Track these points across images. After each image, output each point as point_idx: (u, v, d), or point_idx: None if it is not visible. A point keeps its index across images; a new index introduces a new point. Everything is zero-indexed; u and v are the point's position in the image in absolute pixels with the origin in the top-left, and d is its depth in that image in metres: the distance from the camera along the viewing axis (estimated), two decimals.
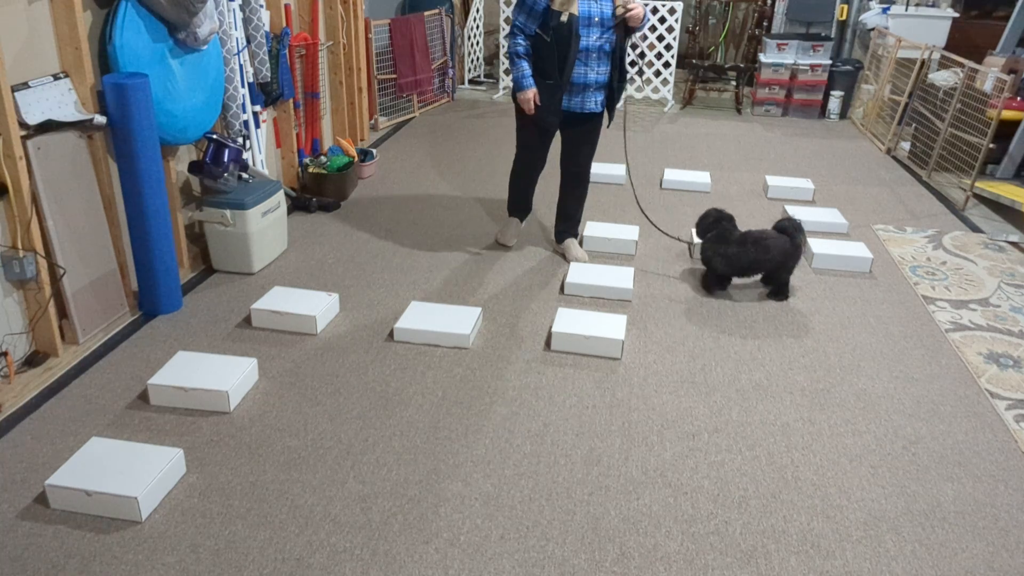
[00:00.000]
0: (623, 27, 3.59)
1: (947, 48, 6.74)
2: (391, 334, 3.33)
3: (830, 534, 2.32)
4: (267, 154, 4.57)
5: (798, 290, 3.84)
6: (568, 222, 4.12)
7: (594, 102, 3.70)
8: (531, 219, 4.65)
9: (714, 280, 3.76)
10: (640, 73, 8.05)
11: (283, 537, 2.25)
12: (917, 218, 4.90)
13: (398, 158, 5.76)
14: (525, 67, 3.58)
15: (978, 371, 3.19)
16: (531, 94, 3.59)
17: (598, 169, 5.39)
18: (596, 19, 3.50)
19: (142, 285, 3.38)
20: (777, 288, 3.75)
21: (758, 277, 3.84)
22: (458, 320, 3.32)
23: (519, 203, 4.19)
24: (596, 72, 3.61)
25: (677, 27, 7.32)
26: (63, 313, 3.12)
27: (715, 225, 3.71)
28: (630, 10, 3.50)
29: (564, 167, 3.98)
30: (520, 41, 3.58)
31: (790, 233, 3.65)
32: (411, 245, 4.23)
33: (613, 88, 3.71)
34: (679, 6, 7.24)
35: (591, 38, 3.52)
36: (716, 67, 7.86)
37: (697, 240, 3.88)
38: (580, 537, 2.28)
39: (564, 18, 3.45)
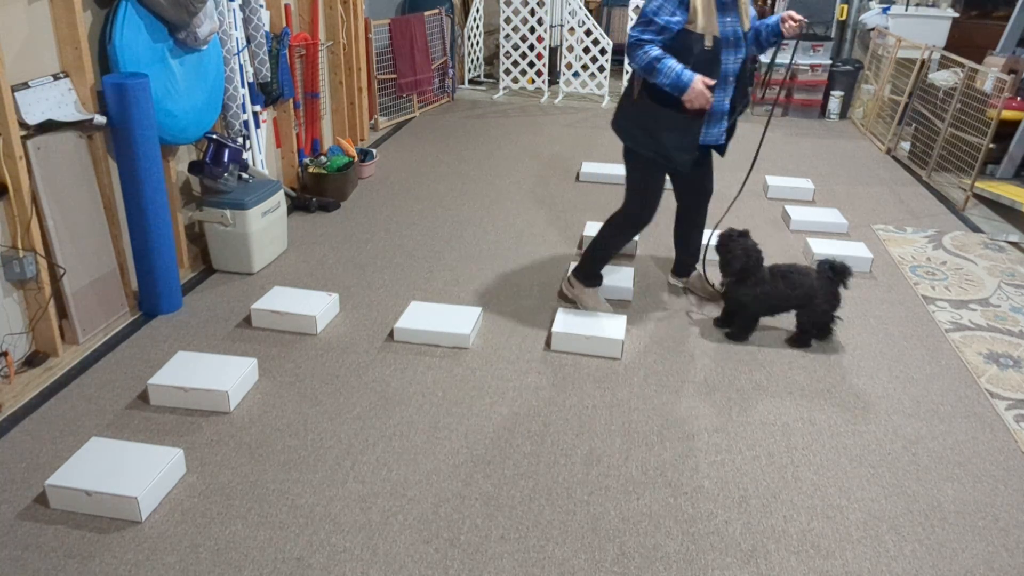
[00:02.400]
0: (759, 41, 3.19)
1: (947, 48, 6.74)
2: (391, 334, 3.33)
3: (830, 534, 2.32)
4: (267, 154, 4.57)
5: None
6: (696, 253, 3.71)
7: (724, 131, 3.25)
8: (535, 223, 4.65)
9: (747, 325, 3.34)
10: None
11: (283, 537, 2.25)
12: (917, 218, 4.90)
13: (398, 158, 5.76)
14: (673, 63, 2.92)
15: (978, 371, 3.19)
16: (701, 83, 2.92)
17: (598, 169, 5.39)
18: (732, 39, 3.05)
19: (142, 285, 3.38)
20: (798, 332, 3.31)
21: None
22: (458, 320, 3.32)
23: (601, 269, 3.57)
24: (730, 97, 3.17)
25: None
26: (63, 313, 3.12)
27: (744, 257, 3.21)
28: (797, 21, 3.05)
29: (689, 197, 3.53)
30: (653, 47, 2.94)
31: (827, 276, 3.23)
32: (411, 245, 4.23)
33: (735, 111, 3.24)
34: None
35: (729, 61, 3.07)
36: None
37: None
38: (580, 537, 2.28)
39: (709, 43, 2.96)
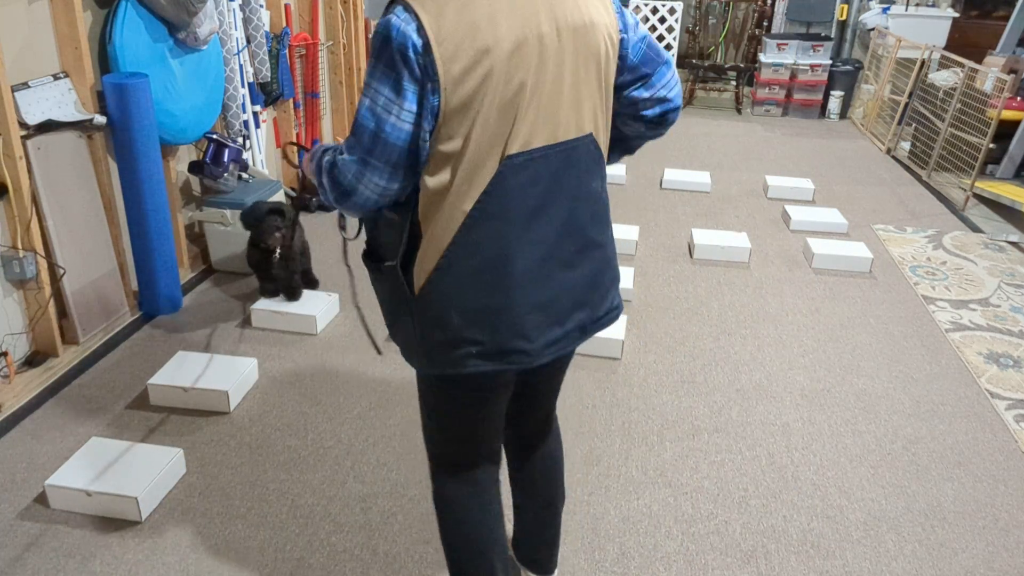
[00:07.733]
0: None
1: (947, 48, 6.74)
2: None
3: (830, 534, 2.32)
4: (267, 154, 4.57)
5: (798, 289, 3.84)
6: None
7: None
8: None
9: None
10: None
11: (283, 537, 2.25)
12: (917, 218, 4.90)
13: None
14: None
15: (978, 371, 3.19)
16: None
17: None
18: None
19: (142, 285, 3.38)
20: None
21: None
22: None
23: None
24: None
25: (677, 27, 7.32)
26: (63, 313, 3.12)
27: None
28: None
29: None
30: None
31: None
32: None
33: None
34: (679, 6, 7.25)
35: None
36: (716, 67, 7.86)
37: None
38: (580, 537, 2.28)
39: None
